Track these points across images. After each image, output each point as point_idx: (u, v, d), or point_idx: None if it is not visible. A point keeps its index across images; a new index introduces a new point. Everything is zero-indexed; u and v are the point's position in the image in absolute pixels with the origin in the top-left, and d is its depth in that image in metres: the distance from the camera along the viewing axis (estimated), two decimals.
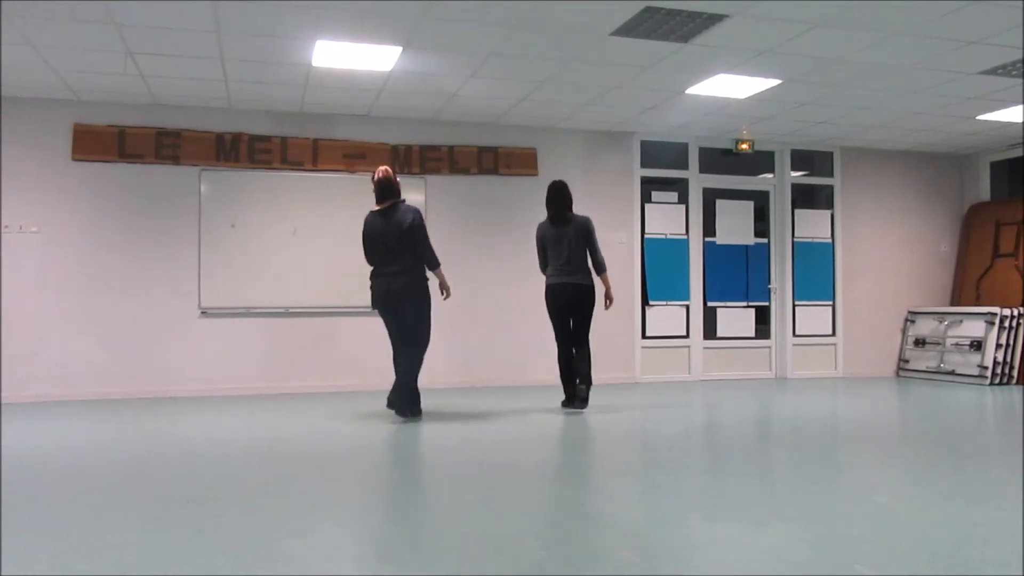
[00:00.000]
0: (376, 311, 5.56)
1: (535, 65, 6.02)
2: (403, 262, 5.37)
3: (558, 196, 5.95)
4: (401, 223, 5.36)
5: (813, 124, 7.95)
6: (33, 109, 6.79)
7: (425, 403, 6.34)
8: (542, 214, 5.88)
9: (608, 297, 5.94)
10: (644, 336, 8.39)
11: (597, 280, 5.89)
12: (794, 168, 8.98)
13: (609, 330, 8.18)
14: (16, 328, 6.72)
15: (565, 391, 6.02)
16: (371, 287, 5.49)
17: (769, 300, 8.94)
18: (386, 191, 5.45)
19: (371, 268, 5.50)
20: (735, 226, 8.83)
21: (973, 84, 6.47)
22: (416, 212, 5.44)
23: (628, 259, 8.31)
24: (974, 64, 5.95)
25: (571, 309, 5.86)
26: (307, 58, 5.84)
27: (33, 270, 6.78)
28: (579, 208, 8.11)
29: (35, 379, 6.73)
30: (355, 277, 7.42)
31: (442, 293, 5.61)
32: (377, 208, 5.48)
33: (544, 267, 6.03)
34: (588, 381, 5.90)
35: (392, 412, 5.59)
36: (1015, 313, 8.19)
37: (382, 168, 5.54)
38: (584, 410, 5.91)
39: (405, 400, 5.51)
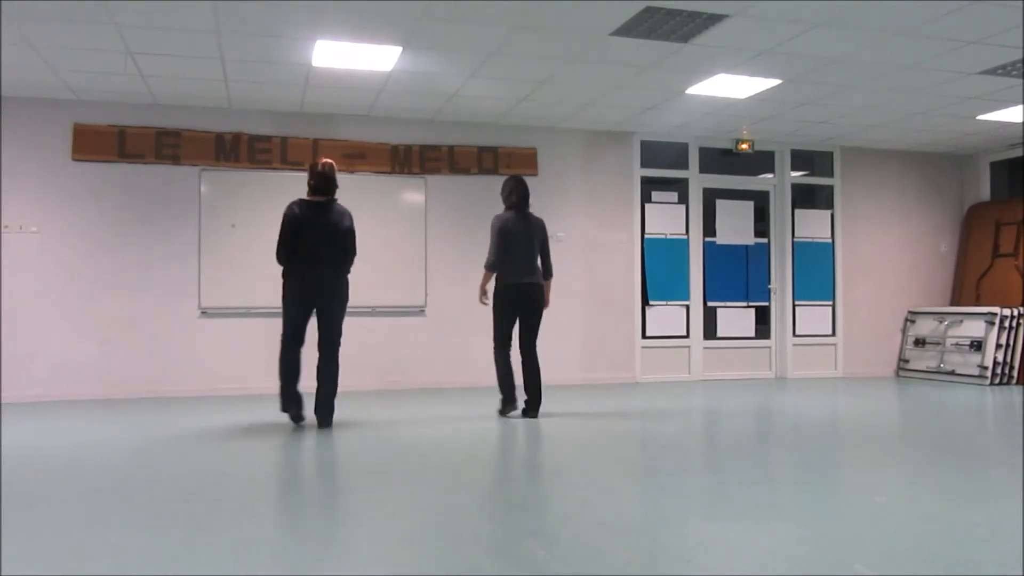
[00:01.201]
0: (291, 305, 5.18)
1: (535, 65, 6.02)
2: (335, 262, 5.18)
3: (525, 191, 5.72)
4: (340, 223, 5.16)
5: (813, 124, 7.95)
6: (33, 109, 6.79)
7: (423, 403, 6.35)
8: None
9: (545, 302, 5.80)
10: (644, 336, 8.39)
11: None
12: (794, 168, 8.98)
13: (609, 330, 8.20)
14: (16, 328, 6.71)
15: (511, 395, 5.72)
16: (293, 281, 5.15)
17: (769, 300, 8.93)
18: (329, 184, 5.18)
19: (287, 261, 5.13)
20: (735, 226, 8.83)
21: (973, 84, 6.47)
22: (351, 215, 5.26)
23: (628, 259, 8.31)
24: (974, 64, 5.95)
25: (531, 311, 5.67)
26: (307, 58, 5.84)
27: (33, 270, 6.78)
28: (579, 208, 8.20)
29: (35, 379, 6.73)
30: (354, 277, 7.44)
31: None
32: (310, 199, 5.16)
33: (496, 263, 5.63)
34: (540, 393, 5.73)
35: (302, 423, 5.27)
36: (1015, 313, 8.19)
37: (328, 160, 5.29)
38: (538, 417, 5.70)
39: (331, 406, 5.24)
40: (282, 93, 6.77)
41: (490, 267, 5.65)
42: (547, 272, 5.80)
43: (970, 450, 4.64)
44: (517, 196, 5.70)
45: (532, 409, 5.72)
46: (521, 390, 5.75)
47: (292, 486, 3.77)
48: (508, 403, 5.73)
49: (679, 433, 5.34)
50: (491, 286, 5.78)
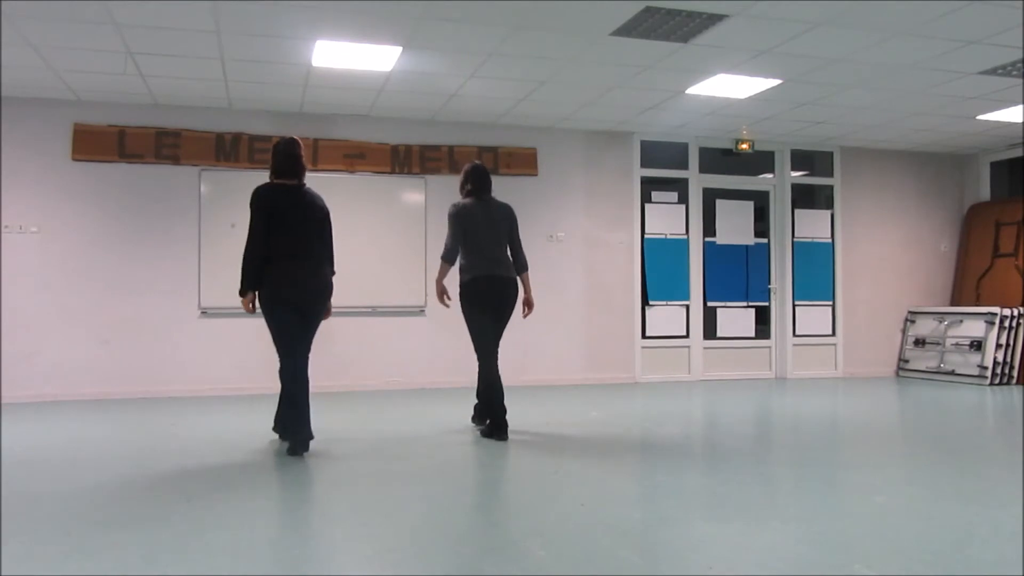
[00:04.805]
0: (279, 311, 4.35)
1: (535, 65, 6.02)
2: (319, 256, 4.44)
3: (481, 176, 4.98)
4: (317, 209, 4.42)
5: (813, 124, 7.95)
6: (33, 109, 6.78)
7: (422, 402, 6.35)
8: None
9: (528, 303, 5.03)
10: (644, 336, 8.39)
11: None
12: (794, 168, 8.98)
13: (609, 330, 8.19)
14: (16, 328, 6.71)
15: (484, 413, 5.02)
16: (277, 281, 4.29)
17: (769, 300, 8.93)
18: (295, 164, 4.40)
19: (263, 256, 4.29)
20: (735, 226, 8.83)
21: (973, 84, 6.47)
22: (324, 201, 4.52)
23: (628, 259, 8.31)
24: (974, 64, 5.95)
25: (503, 309, 4.88)
26: (307, 58, 5.84)
27: (33, 270, 6.78)
28: (579, 208, 8.20)
29: (35, 379, 6.73)
30: (354, 277, 7.45)
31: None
32: (278, 183, 4.39)
33: (454, 255, 4.87)
34: (504, 409, 4.91)
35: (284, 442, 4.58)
36: (1015, 313, 8.19)
37: (290, 136, 4.54)
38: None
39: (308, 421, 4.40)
40: (282, 93, 6.77)
41: (447, 258, 4.85)
42: (520, 265, 4.97)
43: (970, 450, 4.64)
44: (473, 184, 4.96)
45: (499, 430, 4.86)
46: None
47: (291, 485, 3.77)
48: (482, 419, 5.08)
49: (679, 433, 5.34)
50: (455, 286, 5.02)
